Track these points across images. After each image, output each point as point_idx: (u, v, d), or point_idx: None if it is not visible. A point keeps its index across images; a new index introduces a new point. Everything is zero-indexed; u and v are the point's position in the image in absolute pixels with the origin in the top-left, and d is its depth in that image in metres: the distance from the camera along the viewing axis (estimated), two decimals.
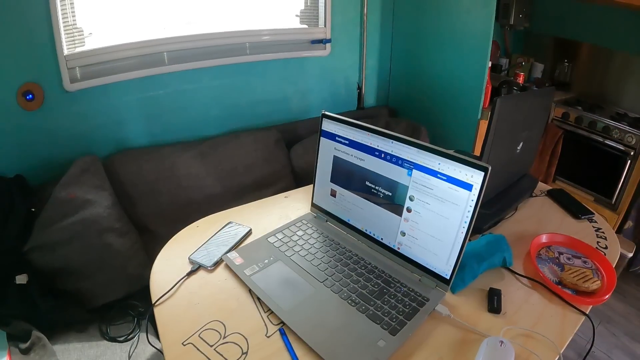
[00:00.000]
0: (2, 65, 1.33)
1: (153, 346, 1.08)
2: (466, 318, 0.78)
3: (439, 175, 0.77)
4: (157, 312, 0.80)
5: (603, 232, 1.09)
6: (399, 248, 0.89)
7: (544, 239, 1.01)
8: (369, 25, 2.16)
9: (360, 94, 2.29)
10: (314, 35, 2.03)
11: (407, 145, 0.82)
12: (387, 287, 0.83)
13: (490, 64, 1.81)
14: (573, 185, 2.23)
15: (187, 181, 1.59)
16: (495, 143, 0.93)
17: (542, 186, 1.32)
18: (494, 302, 0.81)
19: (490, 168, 0.68)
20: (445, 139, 2.09)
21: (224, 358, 0.69)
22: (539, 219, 1.14)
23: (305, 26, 2.04)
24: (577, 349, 1.63)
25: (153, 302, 0.82)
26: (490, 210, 1.07)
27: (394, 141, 0.84)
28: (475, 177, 0.71)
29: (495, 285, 0.86)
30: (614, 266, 0.93)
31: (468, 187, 0.72)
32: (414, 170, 0.81)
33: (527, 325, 0.76)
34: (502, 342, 0.68)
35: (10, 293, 1.15)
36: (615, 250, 1.02)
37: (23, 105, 1.39)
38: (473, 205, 0.72)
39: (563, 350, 0.72)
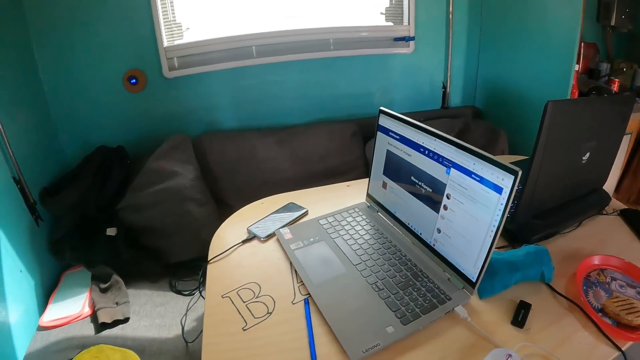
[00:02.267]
0: (112, 54, 1.60)
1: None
2: (485, 325, 0.75)
3: (473, 176, 0.77)
4: (210, 268, 0.93)
5: None
6: (434, 244, 0.90)
7: (596, 260, 0.92)
8: (455, 24, 2.11)
9: (445, 93, 2.25)
10: (398, 32, 2.05)
11: (446, 144, 0.83)
12: (414, 280, 0.85)
13: (578, 67, 1.66)
14: None
15: (265, 164, 1.72)
16: (549, 150, 0.89)
17: (616, 204, 1.20)
18: (519, 315, 0.77)
19: (520, 172, 0.67)
20: (525, 144, 1.96)
21: (252, 313, 0.79)
22: (601, 238, 1.04)
23: (391, 24, 2.06)
24: None
25: (208, 259, 0.95)
26: (543, 221, 1.02)
27: (437, 139, 0.86)
28: (506, 181, 0.71)
29: (528, 299, 0.81)
30: None
31: (499, 189, 0.72)
32: (452, 168, 0.82)
33: (549, 347, 0.70)
34: (510, 355, 0.64)
35: (100, 242, 1.39)
36: None
37: (128, 88, 1.65)
38: (502, 209, 0.72)
39: None
